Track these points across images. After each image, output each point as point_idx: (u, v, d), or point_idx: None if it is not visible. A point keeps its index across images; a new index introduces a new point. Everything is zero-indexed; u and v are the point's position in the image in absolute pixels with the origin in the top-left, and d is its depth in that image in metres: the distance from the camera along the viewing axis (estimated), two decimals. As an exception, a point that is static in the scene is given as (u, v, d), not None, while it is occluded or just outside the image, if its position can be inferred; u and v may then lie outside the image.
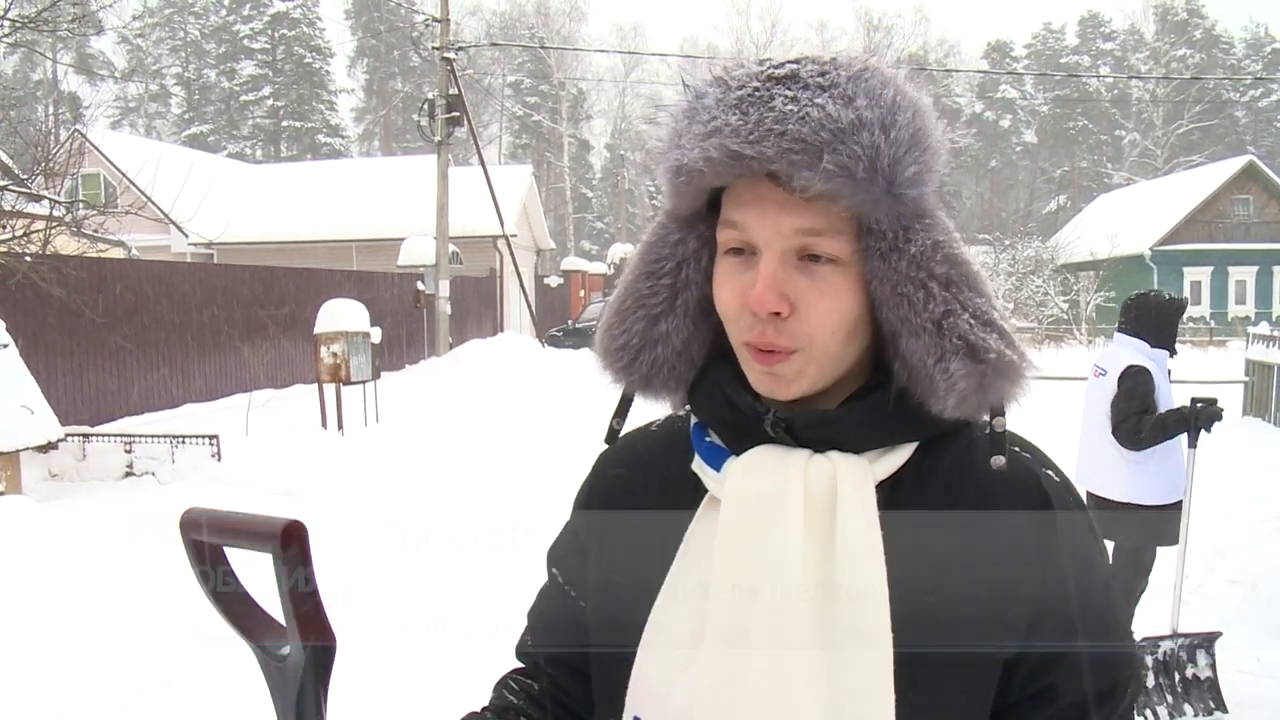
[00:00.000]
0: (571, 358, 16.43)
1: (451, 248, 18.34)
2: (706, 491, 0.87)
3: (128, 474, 7.80)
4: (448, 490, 7.22)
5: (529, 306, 22.35)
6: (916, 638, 0.78)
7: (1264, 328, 11.88)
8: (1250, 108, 58.26)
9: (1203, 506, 6.63)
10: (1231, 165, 34.85)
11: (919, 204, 0.79)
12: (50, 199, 9.05)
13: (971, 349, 0.78)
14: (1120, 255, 31.18)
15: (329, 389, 9.30)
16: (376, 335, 9.70)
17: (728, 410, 0.86)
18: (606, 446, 0.99)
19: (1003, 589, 0.80)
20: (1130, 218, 34.99)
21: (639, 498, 0.93)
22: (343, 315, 9.21)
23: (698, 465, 0.89)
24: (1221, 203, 33.76)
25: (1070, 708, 0.82)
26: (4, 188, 8.86)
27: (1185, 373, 15.03)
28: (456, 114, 17.45)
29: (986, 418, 0.82)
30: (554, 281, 31.45)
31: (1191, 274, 33.32)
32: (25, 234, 8.86)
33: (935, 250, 0.79)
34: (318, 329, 9.19)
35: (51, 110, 41.56)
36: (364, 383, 9.47)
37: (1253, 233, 33.54)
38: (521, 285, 21.95)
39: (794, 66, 0.78)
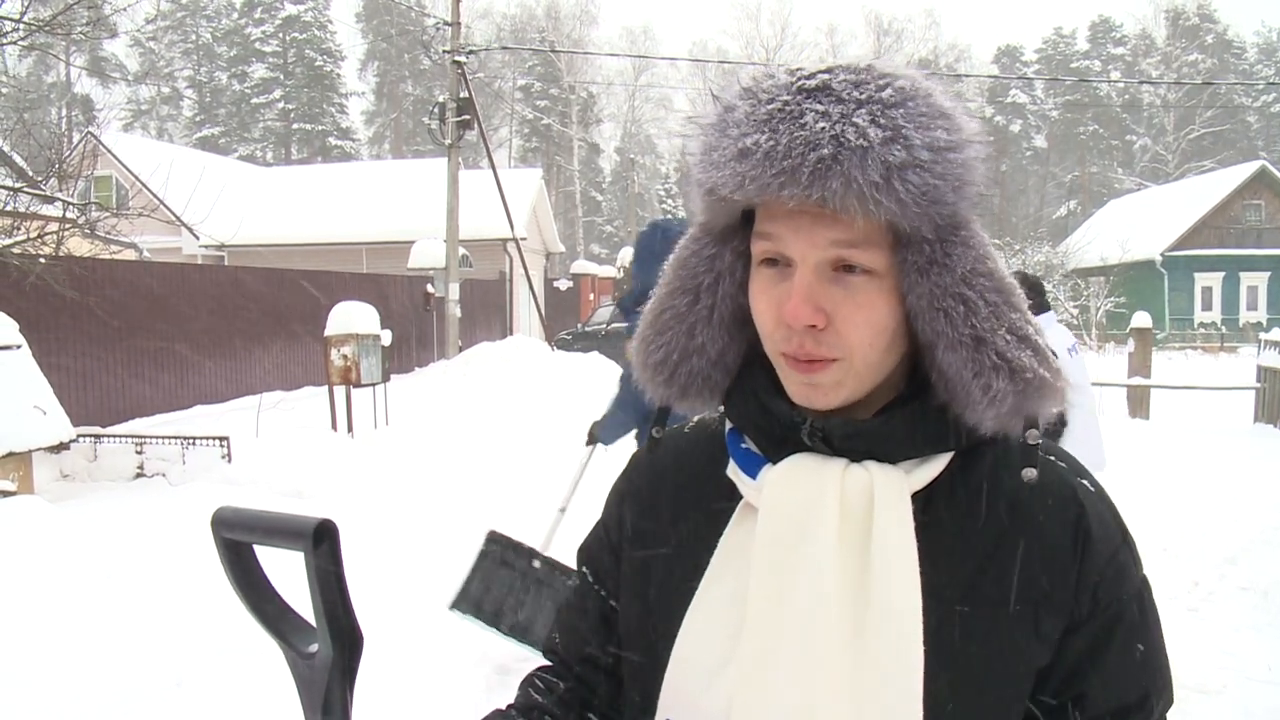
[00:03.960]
0: (581, 361, 16.42)
1: (461, 251, 18.35)
2: (741, 497, 0.87)
3: (139, 475, 7.81)
4: (458, 492, 7.23)
5: (538, 309, 22.35)
6: (950, 646, 0.78)
7: (1276, 334, 11.79)
8: (1262, 113, 58.03)
9: (1214, 513, 6.64)
10: (1243, 170, 34.70)
11: (955, 217, 0.78)
12: (63, 201, 9.09)
13: (1009, 365, 0.78)
14: (1131, 260, 31.09)
15: (339, 391, 9.31)
16: (387, 338, 9.71)
17: (764, 418, 0.86)
18: (641, 450, 0.99)
19: (1036, 598, 0.80)
20: (1141, 223, 34.86)
21: (672, 501, 0.94)
22: (353, 317, 9.22)
23: (732, 471, 0.89)
24: (1233, 208, 33.61)
25: (1102, 717, 0.83)
26: (18, 190, 8.90)
27: (1197, 379, 14.99)
28: (467, 117, 17.46)
29: (1014, 430, 0.81)
30: (563, 285, 31.48)
31: (1203, 279, 33.17)
32: (39, 236, 8.91)
33: (974, 266, 0.79)
34: (328, 331, 9.21)
35: (65, 113, 41.76)
36: (374, 385, 9.49)
37: (1265, 238, 33.38)
38: (531, 288, 21.93)
39: (825, 77, 0.76)
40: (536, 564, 3.92)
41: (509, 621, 3.73)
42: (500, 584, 3.81)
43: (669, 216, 3.80)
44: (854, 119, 0.73)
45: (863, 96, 0.74)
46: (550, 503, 6.40)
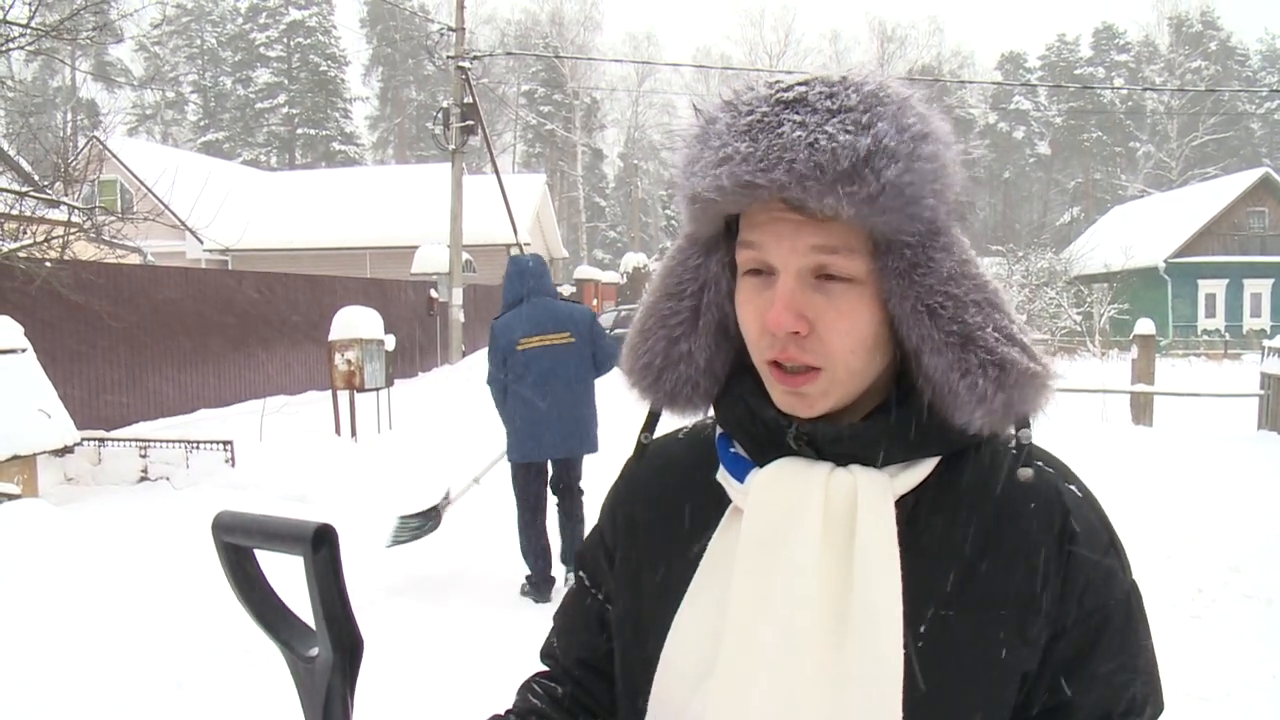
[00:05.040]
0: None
1: (465, 256, 18.40)
2: (731, 501, 0.88)
3: (142, 479, 7.83)
4: (461, 496, 7.22)
5: (541, 315, 22.36)
6: (935, 651, 0.78)
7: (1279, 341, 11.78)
8: (1266, 120, 58.05)
9: (1217, 520, 6.62)
10: (1247, 177, 34.66)
11: (934, 223, 0.79)
12: (69, 205, 9.13)
13: (998, 363, 0.78)
14: (1134, 267, 31.05)
15: (343, 395, 9.33)
16: (390, 342, 9.73)
17: (751, 422, 0.87)
18: (632, 457, 1.00)
19: (1022, 603, 0.80)
20: (1145, 230, 34.84)
21: (665, 505, 0.94)
22: (357, 322, 9.24)
23: (722, 475, 0.90)
24: (1237, 215, 33.58)
25: None
26: (24, 194, 8.94)
27: (1201, 386, 14.95)
28: (471, 123, 17.51)
29: (1012, 431, 0.82)
30: (567, 290, 31.47)
31: (1206, 286, 33.14)
32: (45, 240, 8.95)
33: (957, 269, 0.79)
34: (332, 336, 9.22)
35: (70, 117, 41.87)
36: (378, 390, 9.50)
37: (1268, 245, 33.33)
38: (534, 293, 21.97)
39: (802, 89, 0.78)
40: (438, 505, 5.85)
41: (403, 536, 5.63)
42: (417, 524, 5.72)
43: (527, 255, 5.58)
44: (826, 128, 0.75)
45: (834, 106, 0.76)
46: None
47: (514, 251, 22.64)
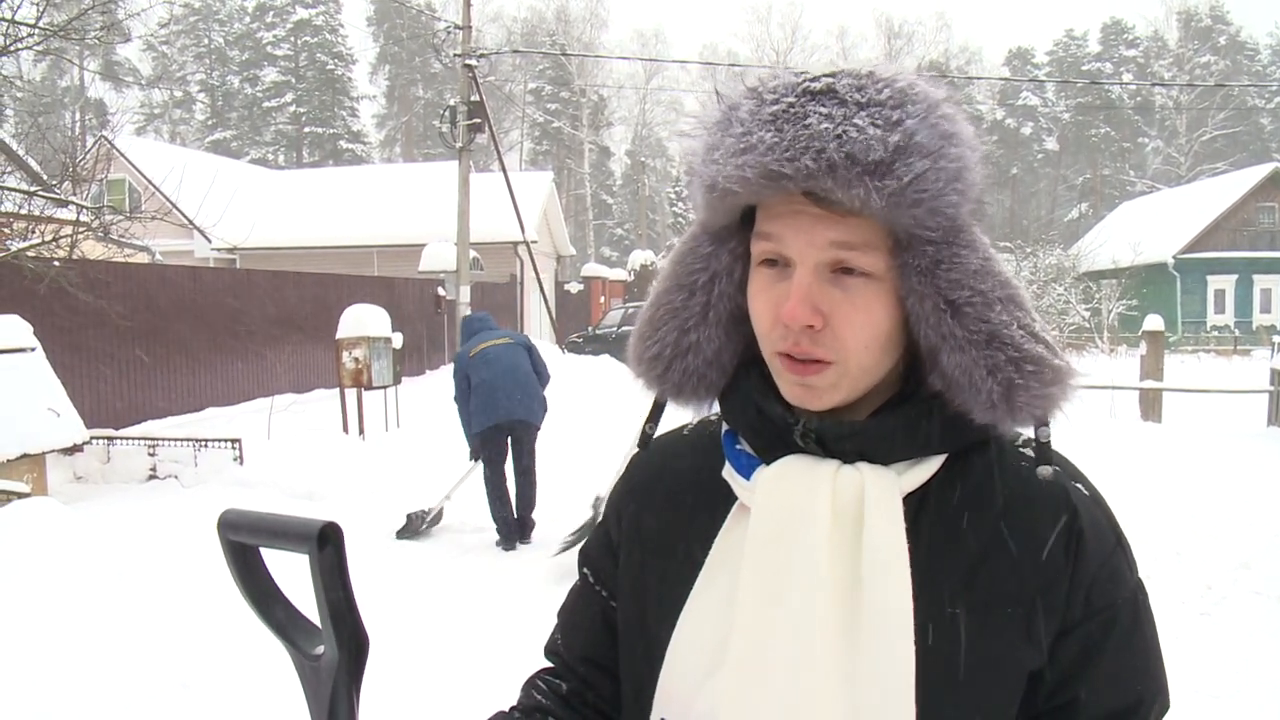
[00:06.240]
0: (591, 363, 16.44)
1: (472, 254, 18.38)
2: (737, 499, 0.87)
3: (151, 477, 7.86)
4: (468, 495, 7.23)
5: (549, 312, 22.38)
6: (942, 649, 0.78)
7: (1289, 337, 11.74)
8: (1276, 115, 57.70)
9: (1227, 517, 6.60)
10: (1257, 173, 34.50)
11: (956, 221, 0.78)
12: (77, 204, 9.16)
13: (1027, 360, 0.78)
14: (1143, 263, 30.94)
15: (350, 394, 9.34)
16: (398, 340, 9.74)
17: (758, 419, 0.86)
18: (638, 450, 0.99)
19: (1029, 601, 0.80)
20: (1154, 225, 34.69)
21: (671, 502, 0.94)
22: (365, 320, 9.25)
23: (728, 472, 0.89)
24: (1246, 210, 33.43)
25: None
26: (33, 193, 8.97)
27: (1210, 382, 14.90)
28: (478, 120, 17.48)
29: (1029, 429, 0.82)
30: (574, 288, 31.50)
31: (1216, 282, 33.01)
32: (54, 239, 8.98)
33: (980, 266, 0.79)
34: (340, 334, 9.24)
35: (78, 117, 42.07)
36: (385, 388, 9.52)
37: (1278, 241, 33.18)
38: (542, 291, 21.98)
39: (830, 80, 0.77)
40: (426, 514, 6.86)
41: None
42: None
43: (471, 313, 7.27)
44: (855, 120, 0.74)
45: (864, 99, 0.75)
46: (556, 503, 6.43)
47: (521, 250, 22.72)
